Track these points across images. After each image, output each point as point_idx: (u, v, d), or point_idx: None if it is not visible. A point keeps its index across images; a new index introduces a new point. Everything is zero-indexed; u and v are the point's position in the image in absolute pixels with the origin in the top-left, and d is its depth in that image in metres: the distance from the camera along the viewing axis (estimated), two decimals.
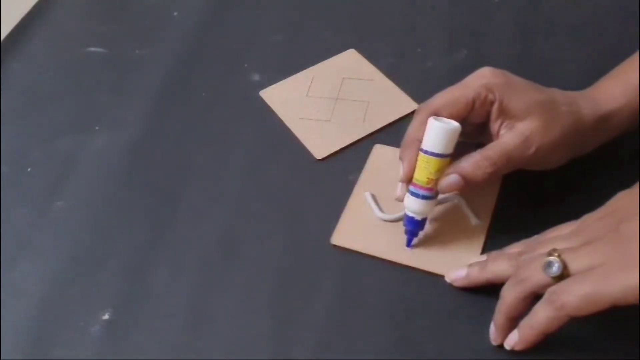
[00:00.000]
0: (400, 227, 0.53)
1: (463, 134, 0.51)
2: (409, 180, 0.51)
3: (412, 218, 0.51)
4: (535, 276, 0.43)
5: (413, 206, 0.51)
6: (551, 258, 0.43)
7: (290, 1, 0.75)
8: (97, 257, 0.54)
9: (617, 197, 0.45)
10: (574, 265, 0.42)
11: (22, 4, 0.77)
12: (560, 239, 0.45)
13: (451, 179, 0.50)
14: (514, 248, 0.49)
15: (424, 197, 0.51)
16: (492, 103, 0.51)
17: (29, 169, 0.61)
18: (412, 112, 0.61)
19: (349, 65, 0.67)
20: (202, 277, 0.52)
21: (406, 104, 0.63)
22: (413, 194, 0.51)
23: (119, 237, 0.55)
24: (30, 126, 0.64)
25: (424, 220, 0.52)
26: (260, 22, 0.73)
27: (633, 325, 0.46)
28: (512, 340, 0.45)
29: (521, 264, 0.46)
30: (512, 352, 0.46)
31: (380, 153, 0.59)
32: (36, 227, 0.56)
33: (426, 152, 0.50)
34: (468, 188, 0.51)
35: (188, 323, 0.50)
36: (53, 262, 0.54)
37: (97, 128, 0.64)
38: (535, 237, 0.48)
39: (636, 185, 0.44)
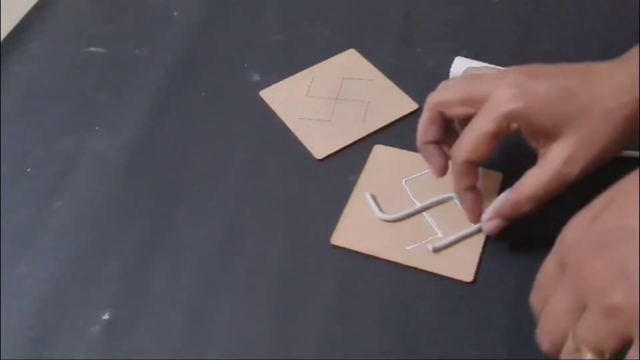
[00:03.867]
0: (401, 227, 0.53)
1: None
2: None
3: None
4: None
5: None
6: None
7: (290, 1, 0.75)
8: (97, 257, 0.54)
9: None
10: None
11: (22, 4, 0.77)
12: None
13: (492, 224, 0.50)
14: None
15: None
16: (517, 130, 0.47)
17: (29, 169, 0.61)
18: (412, 112, 0.62)
19: (349, 65, 0.67)
20: (202, 277, 0.52)
21: (406, 104, 0.63)
22: None
23: (119, 237, 0.55)
24: (30, 126, 0.64)
25: None
26: (260, 22, 0.73)
27: None
28: None
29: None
30: (516, 351, 0.46)
31: (380, 153, 0.59)
32: (36, 227, 0.56)
33: None
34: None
35: (188, 323, 0.50)
36: (53, 262, 0.54)
37: (97, 128, 0.64)
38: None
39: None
